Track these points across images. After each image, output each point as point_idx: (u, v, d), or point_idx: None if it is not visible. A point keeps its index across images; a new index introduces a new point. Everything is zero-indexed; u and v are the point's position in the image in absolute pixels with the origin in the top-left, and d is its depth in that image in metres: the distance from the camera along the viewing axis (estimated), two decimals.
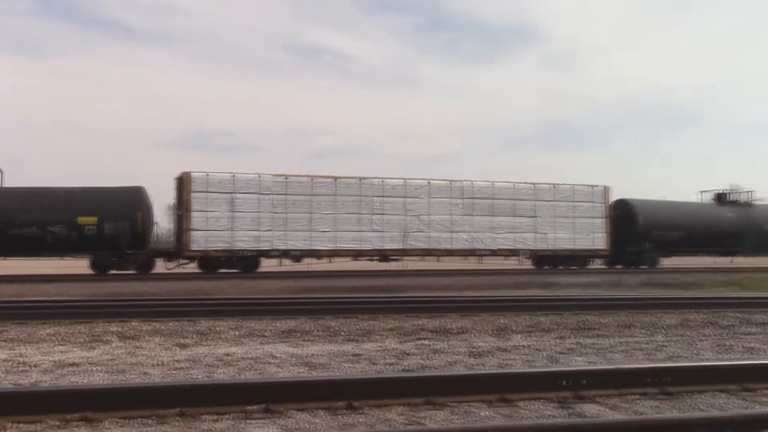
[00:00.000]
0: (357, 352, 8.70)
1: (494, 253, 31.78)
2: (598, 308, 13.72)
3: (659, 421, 4.79)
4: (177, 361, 8.08)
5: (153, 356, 8.42)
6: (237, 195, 27.84)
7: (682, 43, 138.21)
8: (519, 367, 7.70)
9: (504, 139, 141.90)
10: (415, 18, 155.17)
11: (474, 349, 8.88)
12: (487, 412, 5.64)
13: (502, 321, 11.85)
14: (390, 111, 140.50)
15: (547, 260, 32.21)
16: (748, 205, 36.74)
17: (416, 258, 30.88)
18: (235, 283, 21.68)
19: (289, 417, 5.44)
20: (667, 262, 35.02)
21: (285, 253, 28.67)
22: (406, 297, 16.76)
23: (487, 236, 31.05)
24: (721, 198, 37.18)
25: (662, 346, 9.27)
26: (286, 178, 28.68)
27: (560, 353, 8.66)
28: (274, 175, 28.55)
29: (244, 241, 27.89)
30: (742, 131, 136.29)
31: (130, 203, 26.82)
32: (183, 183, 27.64)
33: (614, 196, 33.61)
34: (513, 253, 32.09)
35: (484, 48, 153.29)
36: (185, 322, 11.63)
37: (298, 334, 10.31)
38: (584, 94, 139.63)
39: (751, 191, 37.47)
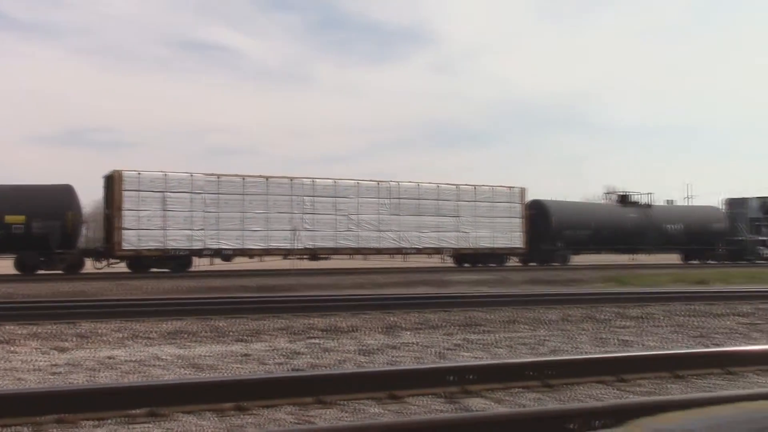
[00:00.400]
0: (246, 352, 8.59)
1: (420, 251, 32.64)
2: (485, 305, 14.11)
3: (540, 413, 4.97)
4: (55, 365, 7.73)
5: (29, 361, 8.03)
6: (169, 194, 27.80)
7: (566, 46, 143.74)
8: (408, 364, 7.81)
9: (391, 139, 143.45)
10: (308, 17, 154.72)
11: (364, 347, 8.94)
12: (376, 409, 5.69)
13: (392, 319, 11.99)
14: (282, 110, 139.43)
15: (469, 258, 33.39)
16: (648, 206, 39.23)
17: (346, 257, 31.69)
18: (119, 284, 20.95)
19: (174, 420, 5.31)
20: (577, 259, 36.82)
21: (217, 252, 28.83)
22: (296, 296, 16.68)
23: (413, 235, 31.98)
24: (624, 199, 39.55)
25: (545, 340, 9.63)
26: (218, 178, 28.80)
27: (448, 349, 8.84)
28: (206, 174, 28.67)
29: (177, 240, 27.86)
30: (619, 134, 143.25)
31: (59, 202, 26.37)
32: (113, 181, 27.32)
33: (522, 196, 34.93)
34: (437, 251, 33.03)
35: (376, 48, 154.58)
36: (64, 324, 11.15)
37: (185, 335, 10.08)
38: (470, 95, 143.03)
39: (650, 193, 40.38)
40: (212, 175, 28.75)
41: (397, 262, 35.47)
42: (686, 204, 42.76)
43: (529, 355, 8.26)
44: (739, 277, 24.52)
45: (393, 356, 8.35)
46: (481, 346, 9.12)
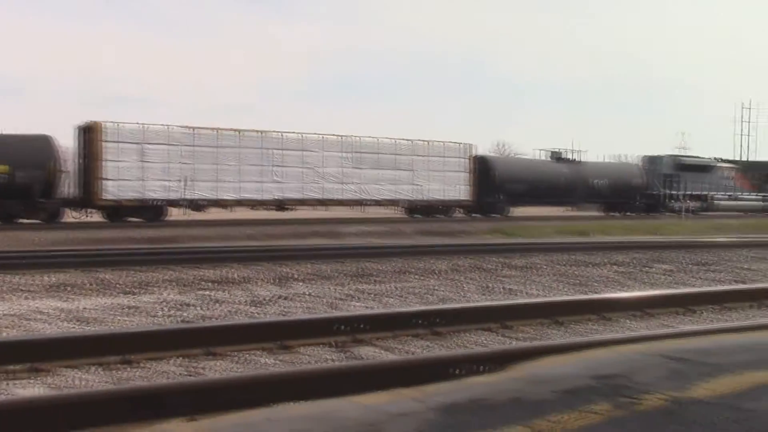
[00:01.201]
0: (133, 304, 8.40)
1: (378, 203, 34.24)
2: (378, 256, 14.29)
3: (427, 360, 5.13)
4: None
5: None
6: (147, 145, 28.42)
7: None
8: (299, 314, 7.86)
9: (297, 90, 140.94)
10: None
11: (255, 298, 8.91)
12: (267, 360, 5.72)
13: (284, 270, 11.98)
14: (183, 59, 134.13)
15: (421, 210, 35.05)
16: (578, 162, 41.63)
17: (310, 207, 32.83)
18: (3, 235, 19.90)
19: (57, 375, 5.16)
20: (516, 211, 38.44)
21: (192, 203, 29.48)
22: (187, 247, 16.36)
23: (372, 188, 33.38)
24: (556, 155, 41.80)
25: (434, 289, 9.88)
26: (193, 130, 29.59)
27: (340, 299, 8.94)
28: (182, 127, 29.49)
29: (155, 190, 28.43)
30: (512, 89, 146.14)
31: (41, 152, 26.27)
32: (92, 132, 27.63)
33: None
34: (394, 203, 34.68)
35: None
36: None
37: (69, 288, 9.73)
38: (381, 48, 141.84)
39: (580, 150, 42.73)
40: (188, 127, 29.54)
41: (354, 212, 36.63)
42: (610, 161, 45.53)
43: (419, 305, 8.46)
44: (618, 229, 25.80)
45: (285, 307, 8.37)
46: (372, 296, 9.26)
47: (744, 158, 58.78)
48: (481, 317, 7.08)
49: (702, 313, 8.13)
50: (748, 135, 69.92)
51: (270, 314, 7.88)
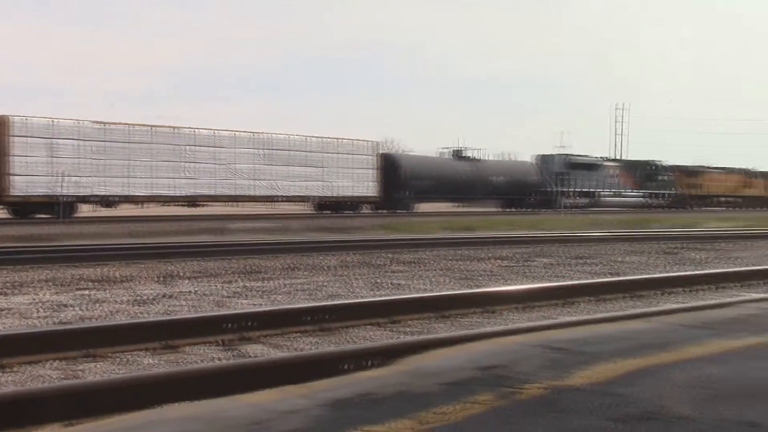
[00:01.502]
0: (5, 306, 7.95)
1: (289, 199, 34.79)
2: (267, 252, 14.14)
3: (315, 356, 5.12)
4: None
5: None
6: (57, 141, 27.96)
7: None
8: (184, 313, 7.66)
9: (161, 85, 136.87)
10: None
11: (139, 297, 8.62)
12: (151, 360, 5.54)
13: (169, 267, 11.66)
14: (66, 46, 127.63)
15: (330, 206, 35.90)
16: (478, 160, 43.52)
17: (222, 204, 32.89)
18: None
19: None
20: (422, 207, 39.95)
21: (104, 199, 29.26)
22: (65, 245, 15.64)
23: (284, 184, 33.99)
24: (458, 154, 43.47)
25: (323, 286, 9.86)
26: (105, 126, 29.33)
27: (227, 297, 8.79)
28: (93, 122, 29.17)
29: (65, 186, 27.67)
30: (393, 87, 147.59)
31: None
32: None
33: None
34: (304, 199, 35.25)
35: None
36: None
37: None
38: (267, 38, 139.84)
39: (480, 149, 44.74)
40: (99, 122, 29.35)
41: (265, 208, 36.39)
42: (507, 159, 48.30)
43: (307, 301, 8.42)
44: (503, 224, 26.58)
45: (170, 306, 8.14)
46: (260, 293, 9.15)
47: (619, 156, 62.13)
48: (370, 312, 7.13)
49: (580, 304, 8.48)
50: (622, 135, 73.72)
51: (154, 313, 7.65)
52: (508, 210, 42.89)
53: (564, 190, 47.05)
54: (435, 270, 11.95)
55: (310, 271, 11.60)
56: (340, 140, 36.43)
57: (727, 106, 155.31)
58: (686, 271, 11.89)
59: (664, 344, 4.61)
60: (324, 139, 35.94)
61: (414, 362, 4.26)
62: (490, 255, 14.42)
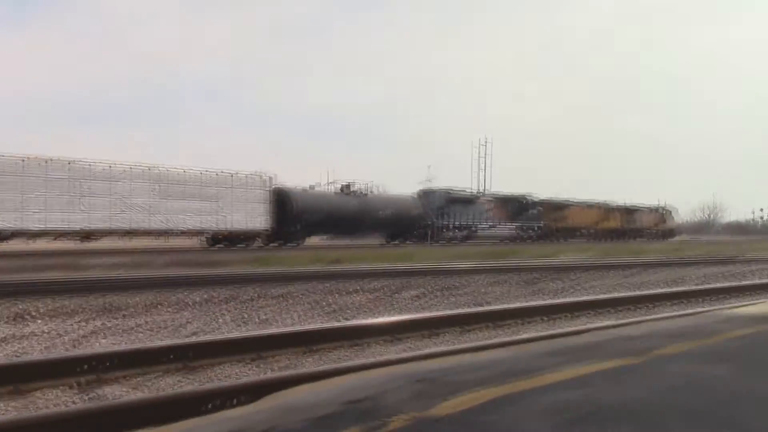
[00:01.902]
0: None
1: (185, 233, 34.98)
2: (128, 288, 13.56)
3: (176, 396, 4.94)
4: None
5: None
6: None
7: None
8: (36, 354, 7.20)
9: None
10: None
11: None
12: None
13: (21, 307, 10.93)
14: None
15: (224, 239, 36.33)
16: (365, 194, 44.59)
17: (117, 237, 32.78)
18: None
19: None
20: (310, 241, 40.77)
21: None
22: None
23: (179, 218, 34.06)
24: (347, 188, 44.34)
25: (188, 322, 9.56)
26: None
27: (84, 336, 8.34)
28: None
29: None
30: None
31: None
32: None
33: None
34: (200, 233, 35.78)
35: (11, 8, 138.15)
36: None
37: None
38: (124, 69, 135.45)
39: (368, 183, 45.57)
40: None
41: (159, 242, 36.49)
42: (393, 194, 50.03)
43: (170, 338, 8.13)
44: (371, 257, 26.82)
45: (20, 348, 7.63)
46: (120, 331, 8.76)
47: (483, 189, 64.68)
48: (236, 349, 6.97)
49: (446, 334, 8.66)
50: (485, 169, 76.58)
51: (0, 356, 7.13)
52: (392, 243, 43.97)
53: (444, 223, 49.19)
54: (304, 304, 11.86)
55: (174, 308, 11.22)
56: (234, 174, 37.09)
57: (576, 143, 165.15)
58: (545, 300, 12.42)
59: (524, 371, 4.78)
60: (219, 174, 36.51)
61: (282, 398, 4.19)
62: (359, 288, 14.47)
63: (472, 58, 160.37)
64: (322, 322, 9.68)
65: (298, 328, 8.81)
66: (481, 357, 5.61)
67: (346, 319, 10.10)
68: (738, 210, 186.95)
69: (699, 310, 10.54)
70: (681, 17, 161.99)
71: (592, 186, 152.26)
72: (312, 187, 43.32)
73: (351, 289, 14.18)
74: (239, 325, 9.41)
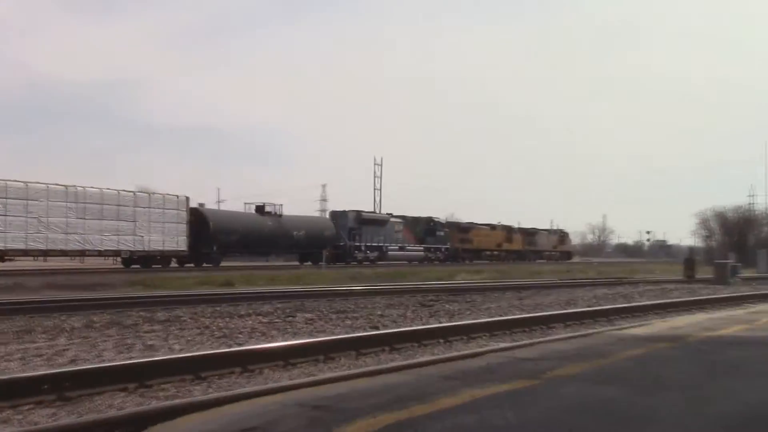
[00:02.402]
0: None
1: (101, 253, 35.65)
2: None
3: (51, 430, 4.70)
4: None
5: None
6: None
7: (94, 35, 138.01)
8: None
9: None
10: None
11: None
12: None
13: None
14: None
15: (140, 260, 36.60)
16: (279, 215, 45.47)
17: (32, 258, 33.28)
18: None
19: None
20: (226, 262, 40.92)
21: None
22: None
23: (96, 238, 34.53)
24: (261, 209, 45.30)
25: (64, 350, 9.13)
26: None
27: None
28: None
29: None
30: (150, 131, 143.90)
31: None
32: None
33: None
34: (117, 253, 36.35)
35: None
36: None
37: None
38: None
39: (281, 204, 46.62)
40: None
41: (74, 263, 37.81)
42: (308, 215, 53.06)
43: (45, 368, 7.74)
44: (263, 279, 26.52)
45: None
46: None
47: (378, 210, 65.25)
48: (118, 377, 6.71)
49: (341, 359, 8.64)
50: (380, 189, 77.17)
51: None
52: (305, 264, 44.23)
53: (356, 244, 50.38)
54: (192, 329, 11.57)
55: (50, 333, 10.71)
56: (152, 195, 37.95)
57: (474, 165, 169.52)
58: (441, 323, 12.60)
59: (421, 396, 4.83)
60: (137, 194, 37.37)
61: (168, 429, 4.07)
62: (250, 311, 14.26)
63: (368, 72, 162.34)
64: (211, 348, 9.46)
65: (186, 354, 8.57)
66: (377, 382, 5.63)
67: (238, 343, 9.92)
68: (626, 232, 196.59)
69: (591, 331, 10.93)
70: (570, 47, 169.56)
71: (487, 205, 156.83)
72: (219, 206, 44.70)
73: (241, 313, 13.96)
74: (122, 352, 9.07)
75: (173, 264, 38.91)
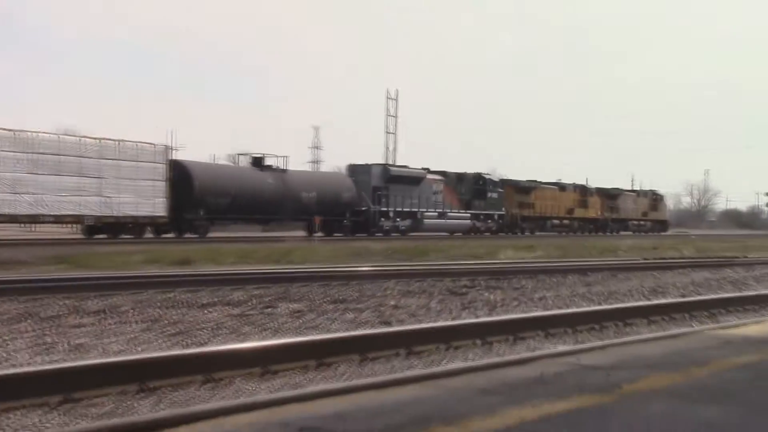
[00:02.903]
0: None
1: (58, 219, 36.90)
2: None
3: None
4: None
5: None
6: None
7: None
8: None
9: None
10: None
11: None
12: None
13: None
14: None
15: (107, 228, 37.83)
16: (283, 171, 46.09)
17: None
18: None
19: None
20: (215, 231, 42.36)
21: None
22: None
23: (52, 199, 35.28)
24: (259, 162, 46.00)
25: None
26: None
27: None
28: None
29: None
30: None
31: None
32: None
33: None
34: (77, 219, 37.38)
35: None
36: None
37: None
38: None
39: (285, 156, 47.05)
40: None
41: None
42: (320, 170, 51.54)
43: None
44: (230, 255, 26.61)
45: None
46: None
47: (392, 161, 65.22)
48: (35, 388, 6.79)
49: (339, 366, 8.69)
50: (395, 133, 76.74)
51: None
52: (316, 236, 44.68)
53: (383, 209, 50.79)
54: (135, 322, 11.68)
55: None
56: (121, 143, 38.35)
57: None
58: (478, 317, 12.63)
59: (448, 417, 4.87)
60: (103, 142, 37.76)
61: None
62: (216, 299, 14.36)
63: None
64: (162, 349, 9.55)
65: (127, 357, 8.67)
66: (388, 397, 5.67)
67: (198, 344, 10.01)
68: (737, 194, 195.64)
69: (685, 330, 10.96)
70: None
71: (539, 166, 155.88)
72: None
73: (204, 302, 14.06)
74: (41, 354, 9.18)
75: (148, 234, 39.73)
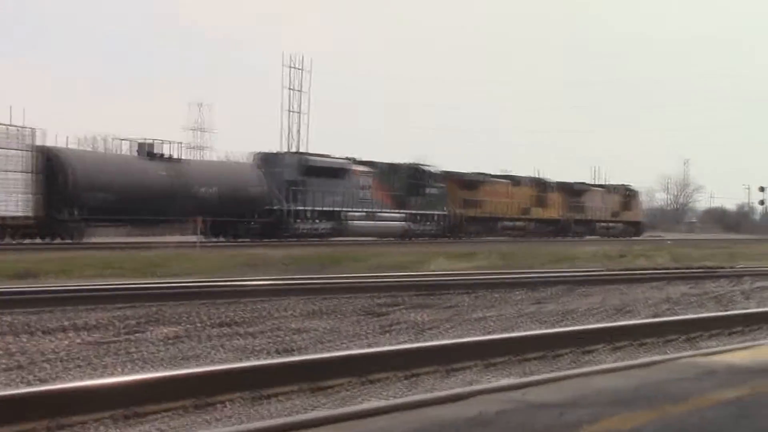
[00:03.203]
0: None
1: None
2: None
3: None
4: None
5: None
6: None
7: None
8: None
9: None
10: None
11: None
12: None
13: None
14: None
15: None
16: (178, 161, 46.77)
17: None
18: None
19: None
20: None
21: None
22: None
23: None
24: (148, 151, 46.27)
25: None
26: None
27: None
28: None
29: None
30: None
31: None
32: None
33: None
34: None
35: None
36: None
37: None
38: None
39: (180, 143, 48.14)
40: None
41: None
42: (220, 160, 51.03)
43: None
44: (90, 267, 26.31)
45: None
46: None
47: (297, 148, 64.96)
48: None
49: (226, 405, 8.63)
50: (299, 112, 75.64)
51: None
52: (215, 241, 45.24)
53: (299, 208, 51.09)
54: None
55: None
56: None
57: None
58: (401, 343, 12.65)
59: None
60: None
61: None
62: (65, 323, 14.18)
63: None
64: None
65: None
66: None
67: (41, 380, 9.87)
68: (722, 190, 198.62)
69: (658, 358, 11.10)
70: None
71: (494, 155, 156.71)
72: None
73: (50, 326, 13.88)
74: None
75: (7, 239, 39.32)
